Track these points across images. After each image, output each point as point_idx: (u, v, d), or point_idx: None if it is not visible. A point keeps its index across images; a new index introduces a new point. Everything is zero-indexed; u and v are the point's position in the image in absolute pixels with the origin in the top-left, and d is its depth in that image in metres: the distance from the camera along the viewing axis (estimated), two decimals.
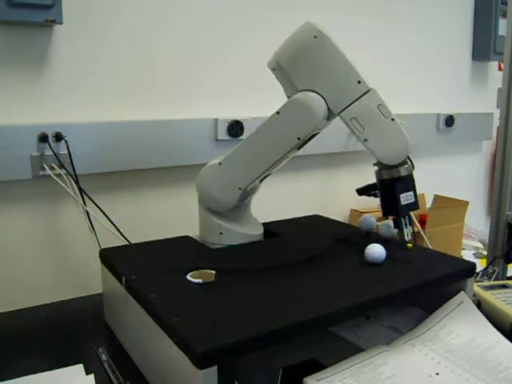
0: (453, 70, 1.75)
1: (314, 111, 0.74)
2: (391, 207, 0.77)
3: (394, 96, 1.63)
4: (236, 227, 0.83)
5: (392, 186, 0.75)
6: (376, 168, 0.78)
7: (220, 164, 0.81)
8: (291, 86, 0.76)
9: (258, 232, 0.85)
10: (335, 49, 0.74)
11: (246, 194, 0.84)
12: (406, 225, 0.77)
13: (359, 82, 0.73)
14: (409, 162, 0.76)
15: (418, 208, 0.77)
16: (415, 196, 0.77)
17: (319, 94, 0.74)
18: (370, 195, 0.81)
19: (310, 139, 0.81)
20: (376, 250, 0.71)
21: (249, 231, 0.84)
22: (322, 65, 0.74)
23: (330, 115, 0.76)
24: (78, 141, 0.97)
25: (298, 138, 0.76)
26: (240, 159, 0.80)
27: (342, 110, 0.75)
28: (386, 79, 1.54)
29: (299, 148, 0.82)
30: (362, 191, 0.82)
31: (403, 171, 0.75)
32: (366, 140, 0.74)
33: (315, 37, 0.74)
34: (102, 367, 0.65)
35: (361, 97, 0.73)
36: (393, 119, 0.74)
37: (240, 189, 0.80)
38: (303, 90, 0.75)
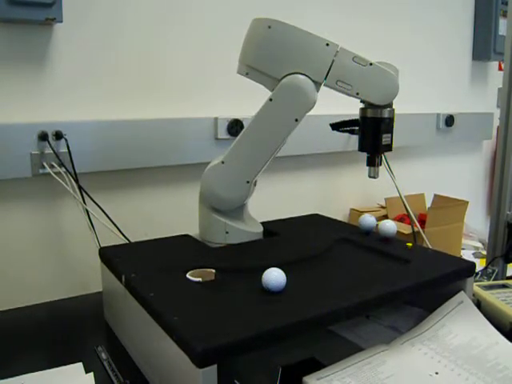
0: (453, 69, 1.75)
1: (304, 90, 0.77)
2: (370, 144, 0.81)
3: None
4: (241, 226, 0.84)
5: (377, 124, 0.80)
6: (362, 106, 0.82)
7: (223, 162, 0.81)
8: (271, 79, 0.78)
9: (259, 230, 0.86)
10: (292, 28, 0.76)
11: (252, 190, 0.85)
12: (379, 163, 0.84)
13: (327, 44, 0.76)
14: (393, 107, 0.81)
15: (391, 150, 0.83)
16: (391, 139, 0.82)
17: (301, 73, 0.77)
18: (343, 131, 0.85)
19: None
20: (273, 276, 0.62)
21: (252, 229, 0.85)
22: (288, 47, 0.77)
23: (317, 87, 0.79)
24: (77, 139, 0.97)
25: (296, 120, 0.78)
26: (242, 153, 0.81)
27: (325, 78, 0.77)
28: None
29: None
30: (336, 126, 0.85)
31: (387, 113, 0.80)
32: (358, 93, 0.78)
33: (269, 27, 0.77)
34: (101, 366, 0.65)
35: (334, 58, 0.76)
36: (371, 64, 0.77)
37: (248, 182, 0.81)
38: (285, 76, 0.77)
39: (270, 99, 0.78)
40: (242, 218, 0.86)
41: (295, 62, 0.77)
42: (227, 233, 0.83)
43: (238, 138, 0.80)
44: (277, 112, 0.78)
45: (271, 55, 0.78)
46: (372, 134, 0.81)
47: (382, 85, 0.78)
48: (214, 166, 0.82)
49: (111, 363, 0.66)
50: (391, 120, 0.81)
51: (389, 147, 0.82)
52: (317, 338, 0.65)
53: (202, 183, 0.83)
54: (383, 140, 0.80)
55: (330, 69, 0.76)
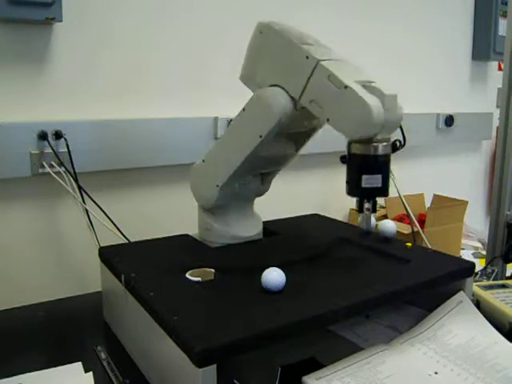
0: (453, 69, 1.75)
1: (270, 105, 0.69)
2: (352, 187, 0.68)
3: None
4: (222, 226, 0.82)
5: (358, 164, 0.66)
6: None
7: (203, 161, 0.81)
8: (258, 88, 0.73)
9: (249, 234, 0.83)
10: (280, 34, 0.70)
11: (235, 195, 0.82)
12: (367, 209, 0.69)
13: (307, 57, 0.67)
14: (388, 142, 0.66)
15: (384, 195, 0.68)
16: (384, 181, 0.66)
17: (280, 87, 0.70)
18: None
19: (306, 138, 0.80)
20: (272, 276, 0.61)
21: (239, 232, 0.82)
22: (273, 56, 0.72)
23: (297, 104, 0.71)
24: (77, 139, 0.97)
25: (260, 136, 0.71)
26: (216, 156, 0.80)
27: (301, 95, 0.68)
28: (386, 79, 1.54)
29: (298, 148, 0.81)
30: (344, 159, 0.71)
31: (379, 149, 0.65)
32: (328, 120, 0.66)
33: (261, 32, 0.73)
34: (100, 365, 0.65)
35: (312, 73, 0.66)
36: (346, 87, 0.63)
37: (218, 186, 0.78)
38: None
39: (243, 109, 0.73)
40: (229, 218, 0.83)
41: (277, 74, 0.71)
42: (208, 230, 0.82)
43: (218, 139, 0.79)
44: (244, 124, 0.73)
45: (260, 63, 0.73)
46: (352, 174, 0.68)
47: (354, 115, 0.63)
48: (198, 162, 0.82)
49: (110, 363, 0.65)
50: (380, 157, 0.66)
51: (377, 191, 0.67)
52: (316, 337, 0.65)
53: (190, 178, 0.84)
54: (364, 182, 0.66)
55: (305, 85, 0.67)
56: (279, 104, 0.69)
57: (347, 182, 0.69)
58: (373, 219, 0.87)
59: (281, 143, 0.78)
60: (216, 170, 0.79)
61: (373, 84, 0.65)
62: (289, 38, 0.69)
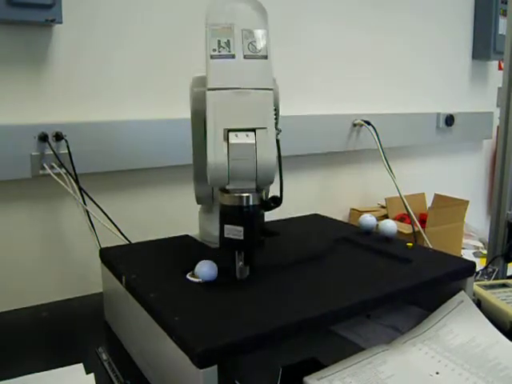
0: (453, 69, 1.75)
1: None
2: (219, 236, 0.64)
3: (394, 95, 1.63)
4: (214, 226, 0.79)
5: (220, 214, 0.63)
6: None
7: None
8: None
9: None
10: (206, 34, 0.65)
11: None
12: (239, 261, 0.64)
13: (206, 78, 0.63)
14: (252, 192, 0.62)
15: (245, 249, 0.63)
16: (247, 233, 0.61)
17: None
18: None
19: None
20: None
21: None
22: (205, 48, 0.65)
23: None
24: (78, 140, 0.97)
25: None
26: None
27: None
28: (386, 79, 1.54)
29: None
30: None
31: (243, 200, 0.61)
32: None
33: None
34: (102, 366, 0.65)
35: (203, 98, 0.63)
36: (205, 136, 0.61)
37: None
38: None
39: None
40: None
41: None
42: (202, 229, 0.81)
43: None
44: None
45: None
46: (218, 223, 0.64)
47: (207, 163, 0.60)
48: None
49: (112, 364, 0.66)
50: (247, 208, 0.61)
51: (238, 244, 0.62)
52: (317, 337, 0.65)
53: None
54: (226, 233, 0.62)
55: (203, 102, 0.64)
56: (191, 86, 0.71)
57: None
58: (373, 219, 0.87)
59: None
60: (197, 158, 0.79)
61: (247, 133, 0.61)
62: (206, 45, 0.64)
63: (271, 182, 0.64)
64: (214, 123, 0.61)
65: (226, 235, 0.62)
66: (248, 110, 0.62)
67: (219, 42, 0.63)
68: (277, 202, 0.66)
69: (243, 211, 0.62)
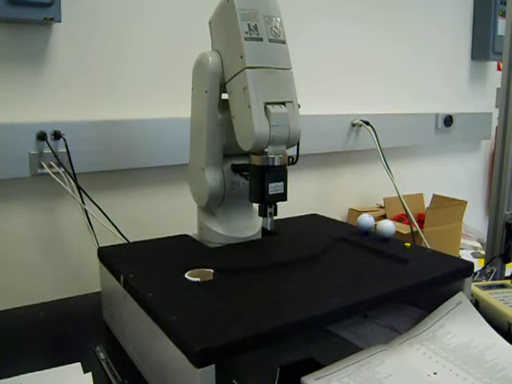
0: (452, 69, 1.75)
1: (202, 61, 0.76)
2: (258, 194, 0.75)
3: (393, 96, 1.63)
4: (221, 226, 0.81)
5: (262, 173, 0.73)
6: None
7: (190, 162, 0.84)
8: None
9: (248, 234, 0.82)
10: (236, 18, 0.71)
11: (234, 194, 0.81)
12: (270, 214, 0.76)
13: (241, 56, 0.71)
14: (284, 153, 0.74)
15: (285, 200, 0.76)
16: (285, 187, 0.75)
17: (220, 54, 0.75)
18: (242, 175, 0.79)
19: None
20: None
21: (237, 232, 0.82)
22: (225, 30, 0.75)
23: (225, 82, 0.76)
24: (76, 139, 0.97)
25: (206, 91, 0.76)
26: (192, 141, 0.83)
27: (227, 82, 0.74)
28: (385, 79, 1.55)
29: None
30: (236, 168, 0.79)
31: (276, 161, 0.73)
32: (233, 117, 0.74)
33: (227, 0, 0.73)
34: (99, 366, 0.65)
35: (238, 73, 0.72)
36: (249, 106, 0.70)
37: (203, 170, 0.79)
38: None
39: (192, 88, 0.80)
40: (222, 219, 0.82)
41: (221, 46, 0.75)
42: (201, 229, 0.83)
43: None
44: (195, 94, 0.80)
45: (215, 26, 0.77)
46: (258, 183, 0.74)
47: (244, 130, 0.72)
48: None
49: (109, 363, 0.65)
50: (280, 167, 0.74)
51: (280, 196, 0.75)
52: (315, 337, 0.65)
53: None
54: (270, 190, 0.74)
55: (231, 78, 0.73)
56: (207, 60, 0.75)
57: (251, 190, 0.76)
58: (372, 219, 0.87)
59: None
60: (196, 154, 0.81)
61: (280, 105, 0.73)
62: (238, 28, 0.71)
63: (294, 145, 0.77)
64: (257, 97, 0.71)
65: (270, 192, 0.73)
66: (278, 86, 0.73)
67: (249, 25, 0.72)
68: (293, 161, 0.79)
69: (285, 169, 0.74)
